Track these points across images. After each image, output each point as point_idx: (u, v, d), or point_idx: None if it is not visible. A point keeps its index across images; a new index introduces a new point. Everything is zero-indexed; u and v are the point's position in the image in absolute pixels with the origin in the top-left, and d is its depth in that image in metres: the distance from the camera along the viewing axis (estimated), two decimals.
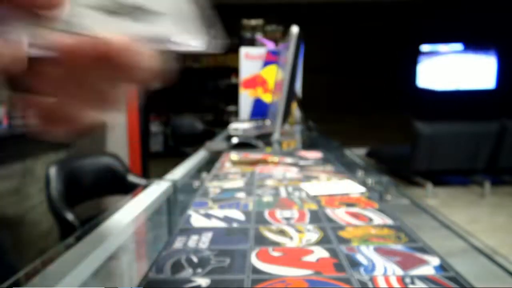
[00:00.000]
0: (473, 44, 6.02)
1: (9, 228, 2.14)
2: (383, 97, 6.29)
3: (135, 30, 0.25)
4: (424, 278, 0.34)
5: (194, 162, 1.01)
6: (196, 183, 0.73)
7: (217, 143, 1.34)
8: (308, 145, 1.47)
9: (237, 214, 0.53)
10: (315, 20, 6.11)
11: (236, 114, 6.62)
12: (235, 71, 6.00)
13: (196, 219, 0.52)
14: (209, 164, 0.99)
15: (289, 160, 0.92)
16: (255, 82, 2.08)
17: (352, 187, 0.66)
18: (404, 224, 0.48)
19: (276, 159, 0.91)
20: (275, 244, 0.43)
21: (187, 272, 0.36)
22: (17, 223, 2.23)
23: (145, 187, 0.74)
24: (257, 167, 0.86)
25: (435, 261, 0.38)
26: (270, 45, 2.22)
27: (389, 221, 0.49)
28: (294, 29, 1.33)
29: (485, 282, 0.36)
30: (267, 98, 2.08)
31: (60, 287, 0.36)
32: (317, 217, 0.51)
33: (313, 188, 0.66)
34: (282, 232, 0.46)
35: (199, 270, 0.37)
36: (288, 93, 1.37)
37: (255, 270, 0.36)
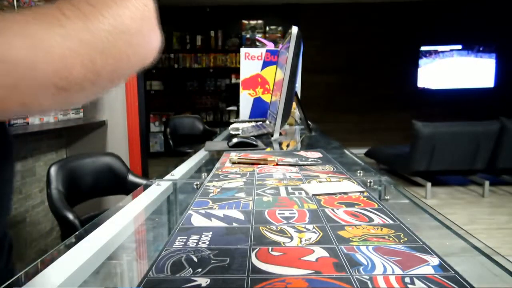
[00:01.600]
0: (472, 44, 6.03)
1: (9, 227, 2.14)
2: (383, 97, 6.29)
3: None
4: (423, 278, 0.34)
5: (194, 162, 1.01)
6: (196, 183, 0.74)
7: (217, 143, 1.34)
8: (308, 145, 1.47)
9: (237, 214, 0.53)
10: (315, 20, 6.11)
11: (236, 114, 6.59)
12: (235, 71, 6.00)
13: (196, 219, 0.52)
14: (209, 164, 0.99)
15: (289, 160, 0.92)
16: (255, 82, 2.08)
17: (351, 187, 0.66)
18: (404, 224, 0.48)
19: (276, 159, 0.91)
20: (274, 243, 0.43)
21: (187, 271, 0.36)
22: (18, 222, 2.23)
23: (145, 187, 0.74)
24: (257, 167, 0.86)
25: (434, 260, 0.38)
26: (270, 45, 2.22)
27: (388, 221, 0.49)
28: (294, 29, 1.33)
29: (485, 282, 0.36)
30: (267, 98, 2.08)
31: (60, 287, 0.36)
32: (317, 217, 0.52)
33: (312, 188, 0.66)
34: (281, 232, 0.46)
35: (199, 269, 0.37)
36: (288, 93, 1.37)
37: (255, 270, 0.36)
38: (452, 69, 6.13)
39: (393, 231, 0.46)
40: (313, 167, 0.85)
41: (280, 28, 5.96)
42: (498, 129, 3.85)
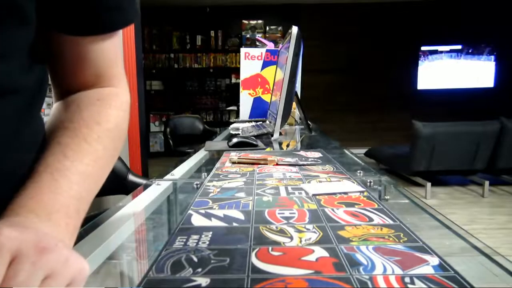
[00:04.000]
0: (472, 44, 6.03)
1: None
2: (383, 97, 6.28)
3: None
4: (423, 278, 0.34)
5: (194, 162, 1.01)
6: (196, 183, 0.74)
7: (217, 143, 1.34)
8: (308, 145, 1.47)
9: (237, 214, 0.54)
10: (315, 20, 6.11)
11: (236, 114, 6.57)
12: (235, 71, 6.00)
13: (196, 219, 0.52)
14: (209, 164, 0.99)
15: (289, 160, 0.92)
16: (255, 82, 2.08)
17: (351, 187, 0.66)
18: (404, 224, 0.48)
19: (276, 159, 0.91)
20: (274, 243, 0.43)
21: (187, 271, 0.36)
22: None
23: (145, 187, 0.74)
24: (257, 167, 0.86)
25: (434, 260, 0.38)
26: (270, 45, 2.22)
27: (388, 221, 0.50)
28: (294, 29, 1.34)
29: (485, 282, 0.36)
30: (267, 98, 2.08)
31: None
32: (317, 217, 0.52)
33: (312, 187, 0.66)
34: (281, 232, 0.46)
35: (199, 269, 0.37)
36: (288, 93, 1.37)
37: (255, 270, 0.36)
38: (452, 69, 6.13)
39: (393, 231, 0.46)
40: (313, 167, 0.85)
41: (280, 28, 5.96)
42: (498, 129, 3.85)
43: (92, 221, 0.54)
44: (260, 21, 6.01)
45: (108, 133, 0.45)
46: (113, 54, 0.49)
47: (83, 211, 0.40)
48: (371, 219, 0.50)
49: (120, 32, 0.49)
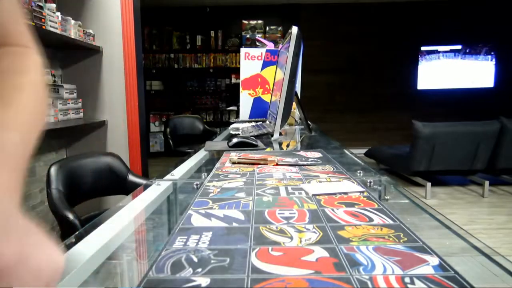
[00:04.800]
0: (472, 44, 6.03)
1: None
2: (383, 97, 6.28)
3: None
4: (423, 278, 0.34)
5: (194, 162, 1.01)
6: (196, 183, 0.74)
7: (217, 143, 1.34)
8: (308, 145, 1.47)
9: (237, 214, 0.53)
10: (315, 20, 6.11)
11: (236, 114, 6.55)
12: (235, 71, 6.00)
13: (196, 219, 0.52)
14: (209, 164, 0.99)
15: (289, 160, 0.92)
16: (255, 82, 2.08)
17: (351, 187, 0.66)
18: (404, 224, 0.48)
19: (276, 159, 0.91)
20: (274, 243, 0.43)
21: (187, 271, 0.36)
22: None
23: (145, 187, 0.74)
24: (257, 167, 0.86)
25: (434, 260, 0.38)
26: (270, 45, 2.22)
27: (388, 221, 0.49)
28: (294, 29, 1.34)
29: (485, 282, 0.36)
30: (267, 98, 2.08)
31: (60, 287, 0.36)
32: (317, 217, 0.52)
33: (312, 187, 0.66)
34: (281, 232, 0.46)
35: (199, 269, 0.37)
36: (288, 93, 1.37)
37: (255, 270, 0.36)
38: (452, 69, 6.13)
39: (393, 231, 0.46)
40: (313, 167, 0.85)
41: (280, 28, 5.96)
42: (498, 129, 3.85)
43: (92, 221, 0.54)
44: (260, 21, 6.01)
45: (27, 102, 0.38)
46: (16, 10, 0.42)
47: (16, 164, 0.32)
48: (371, 219, 0.50)
49: None
